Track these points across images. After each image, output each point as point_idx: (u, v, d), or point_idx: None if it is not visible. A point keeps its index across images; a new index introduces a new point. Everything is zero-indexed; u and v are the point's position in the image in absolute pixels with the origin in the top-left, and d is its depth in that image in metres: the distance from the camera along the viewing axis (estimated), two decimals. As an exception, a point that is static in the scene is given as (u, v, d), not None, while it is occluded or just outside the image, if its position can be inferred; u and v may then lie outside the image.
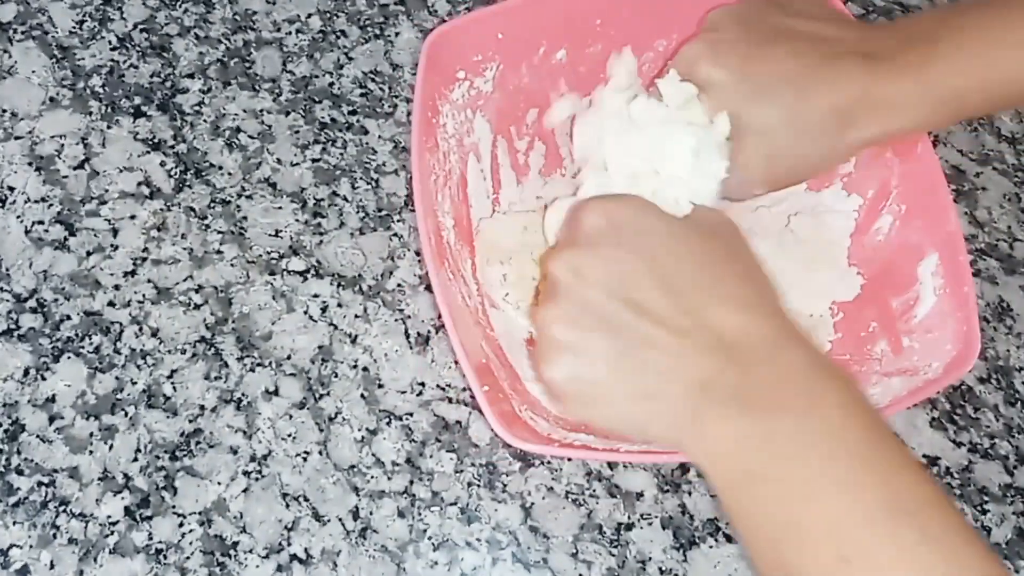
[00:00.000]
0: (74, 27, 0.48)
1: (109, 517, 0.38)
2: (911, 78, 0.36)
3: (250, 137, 0.46)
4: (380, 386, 0.42)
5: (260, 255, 0.44)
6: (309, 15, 0.50)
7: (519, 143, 0.46)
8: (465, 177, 0.44)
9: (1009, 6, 0.37)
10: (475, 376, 0.36)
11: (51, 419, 0.40)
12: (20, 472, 0.39)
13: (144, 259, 0.43)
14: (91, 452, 0.39)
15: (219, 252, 0.44)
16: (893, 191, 0.43)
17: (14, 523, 0.38)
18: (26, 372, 0.40)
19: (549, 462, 0.42)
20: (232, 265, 0.44)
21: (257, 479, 0.40)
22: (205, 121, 0.46)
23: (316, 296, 0.44)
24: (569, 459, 0.42)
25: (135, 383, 0.41)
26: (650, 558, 0.41)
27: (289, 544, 0.39)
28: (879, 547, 0.27)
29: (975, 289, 0.40)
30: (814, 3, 0.41)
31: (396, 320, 0.44)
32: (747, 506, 0.29)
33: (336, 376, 0.42)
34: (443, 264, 0.39)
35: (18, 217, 0.43)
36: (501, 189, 0.46)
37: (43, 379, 0.40)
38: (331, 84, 0.48)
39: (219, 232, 0.44)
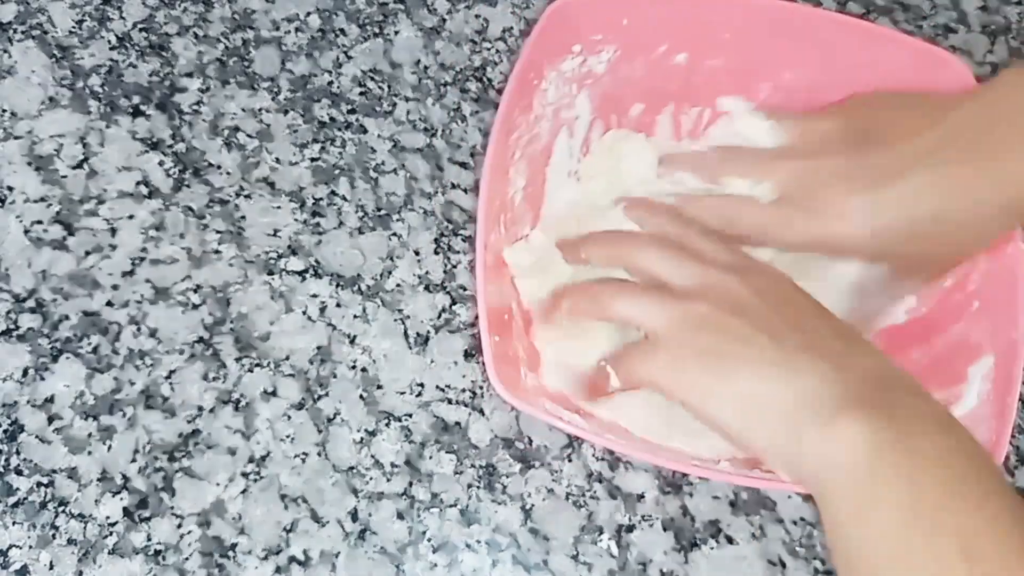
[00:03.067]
0: (73, 27, 0.48)
1: (108, 518, 0.38)
2: None
3: (249, 136, 0.46)
4: (379, 387, 0.42)
5: (258, 255, 0.44)
6: (308, 14, 0.50)
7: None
8: (551, 148, 0.44)
9: None
10: (487, 321, 0.36)
11: (50, 419, 0.40)
12: (19, 472, 0.39)
13: (142, 259, 0.43)
14: (90, 453, 0.39)
15: (217, 252, 0.44)
16: (971, 285, 0.42)
17: (13, 523, 0.38)
18: (25, 372, 0.40)
19: (550, 463, 0.41)
20: (230, 265, 0.43)
21: (256, 480, 0.40)
22: (204, 120, 0.46)
23: (315, 296, 0.43)
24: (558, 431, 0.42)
25: (133, 383, 0.41)
26: (651, 560, 0.40)
27: (288, 545, 0.39)
28: (1006, 560, 0.27)
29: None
30: (900, 108, 0.41)
31: (395, 320, 0.43)
32: (872, 513, 0.29)
33: (335, 377, 0.42)
34: (499, 217, 0.39)
35: (17, 217, 0.43)
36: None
37: (42, 379, 0.40)
38: (330, 83, 0.48)
39: (217, 232, 0.44)
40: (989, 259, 0.41)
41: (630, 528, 0.41)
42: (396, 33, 0.50)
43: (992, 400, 0.39)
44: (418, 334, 0.43)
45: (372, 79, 0.49)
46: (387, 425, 0.41)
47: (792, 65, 0.45)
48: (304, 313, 0.43)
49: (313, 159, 0.46)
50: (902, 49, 0.43)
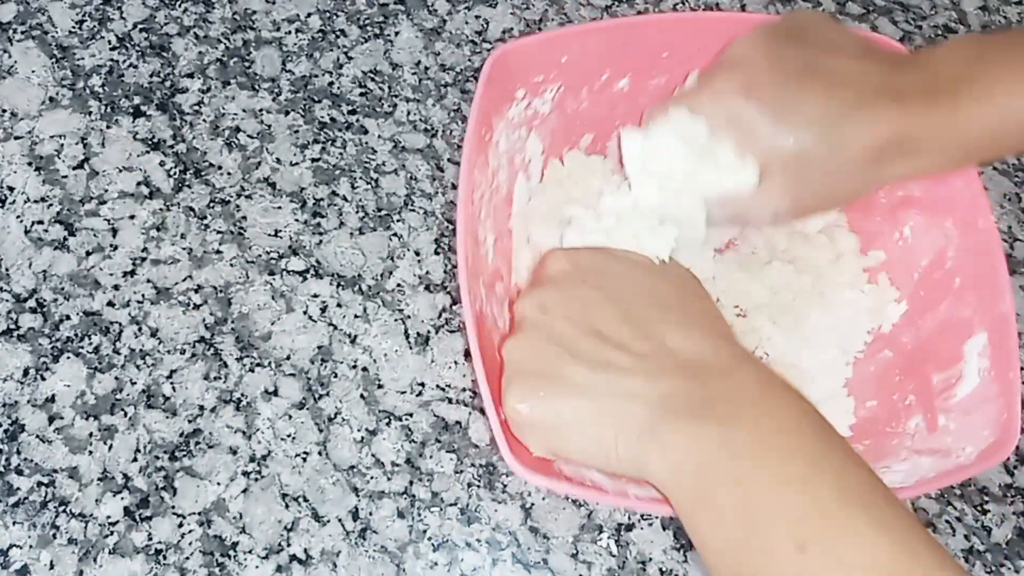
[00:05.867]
0: (74, 27, 0.48)
1: (109, 517, 0.38)
2: (942, 121, 0.36)
3: (249, 137, 0.46)
4: (380, 386, 0.42)
5: (259, 255, 0.44)
6: (308, 14, 0.50)
7: None
8: (511, 195, 0.44)
9: None
10: (488, 385, 0.35)
11: (51, 419, 0.40)
12: (20, 472, 0.39)
13: (143, 259, 0.43)
14: (91, 452, 0.39)
15: (218, 252, 0.44)
16: (949, 262, 0.42)
17: (14, 523, 0.38)
18: (26, 372, 0.40)
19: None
20: (231, 265, 0.44)
21: (256, 479, 0.40)
22: (204, 121, 0.46)
23: (316, 296, 0.43)
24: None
25: (134, 383, 0.41)
26: (650, 559, 0.41)
27: (289, 545, 0.39)
28: (834, 534, 0.28)
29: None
30: (840, 33, 0.39)
31: (396, 320, 0.44)
32: (706, 511, 0.31)
33: (336, 376, 0.42)
34: (478, 278, 0.39)
35: (18, 217, 0.43)
36: None
37: (43, 379, 0.40)
38: (330, 84, 0.48)
39: (218, 232, 0.44)
40: (961, 234, 0.41)
41: (629, 527, 0.41)
42: (396, 34, 0.50)
43: (994, 378, 0.38)
44: (418, 334, 0.43)
45: (372, 80, 0.49)
46: (388, 424, 0.41)
47: None
48: (305, 313, 0.43)
49: (314, 159, 0.46)
50: None
